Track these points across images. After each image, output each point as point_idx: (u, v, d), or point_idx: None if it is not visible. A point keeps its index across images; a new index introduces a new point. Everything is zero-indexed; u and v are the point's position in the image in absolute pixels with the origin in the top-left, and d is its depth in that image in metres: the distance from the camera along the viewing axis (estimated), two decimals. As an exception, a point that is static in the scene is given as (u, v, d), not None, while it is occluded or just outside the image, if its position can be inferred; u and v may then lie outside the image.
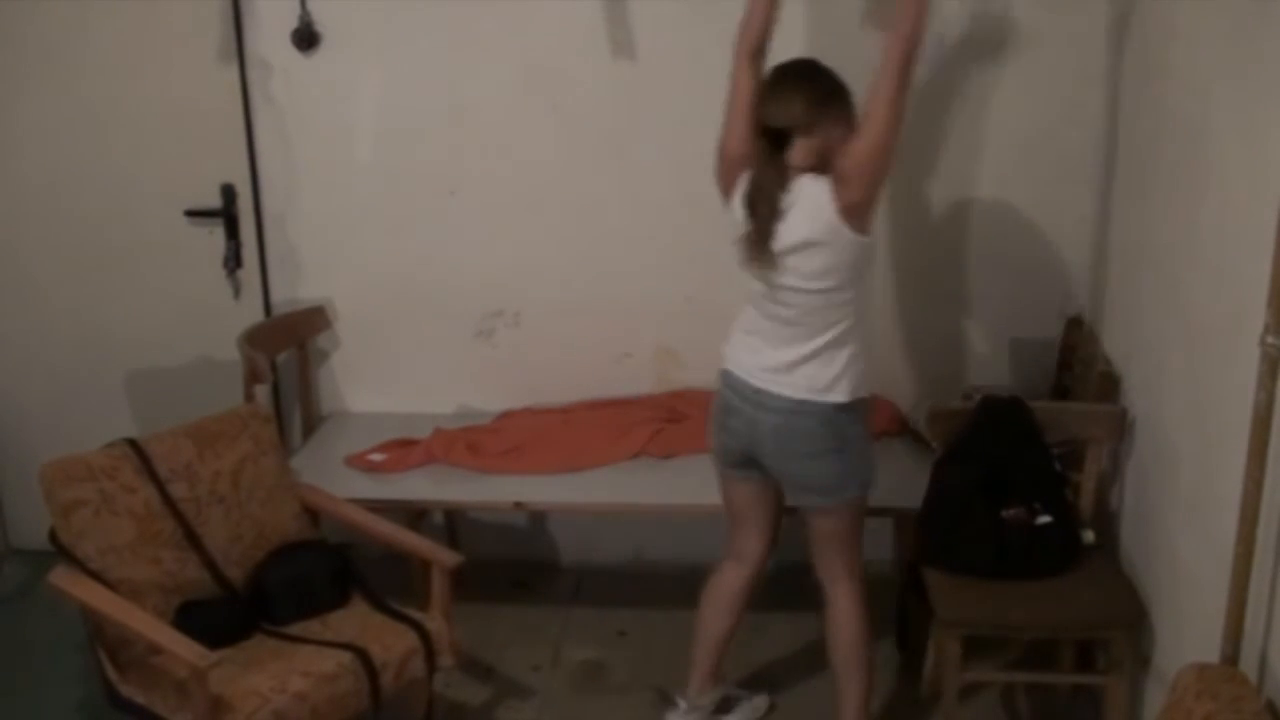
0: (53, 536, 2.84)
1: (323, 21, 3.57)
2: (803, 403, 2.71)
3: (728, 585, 3.02)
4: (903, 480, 3.25)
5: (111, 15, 3.61)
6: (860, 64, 3.52)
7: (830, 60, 3.38)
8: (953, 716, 2.92)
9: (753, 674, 3.40)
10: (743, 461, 2.87)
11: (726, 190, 2.76)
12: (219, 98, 3.64)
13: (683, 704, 3.11)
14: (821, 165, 2.61)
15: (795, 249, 2.62)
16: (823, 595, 2.94)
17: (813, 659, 3.36)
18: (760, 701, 3.27)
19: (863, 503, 2.87)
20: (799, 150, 2.62)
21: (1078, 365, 3.39)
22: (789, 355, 2.71)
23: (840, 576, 2.90)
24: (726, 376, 2.84)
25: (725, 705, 3.19)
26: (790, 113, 2.61)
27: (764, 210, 2.63)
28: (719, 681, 3.15)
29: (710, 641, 3.06)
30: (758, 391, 2.75)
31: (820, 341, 2.68)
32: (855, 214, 2.58)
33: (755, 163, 2.65)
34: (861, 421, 2.80)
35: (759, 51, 2.70)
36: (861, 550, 2.93)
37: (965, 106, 3.50)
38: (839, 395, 2.70)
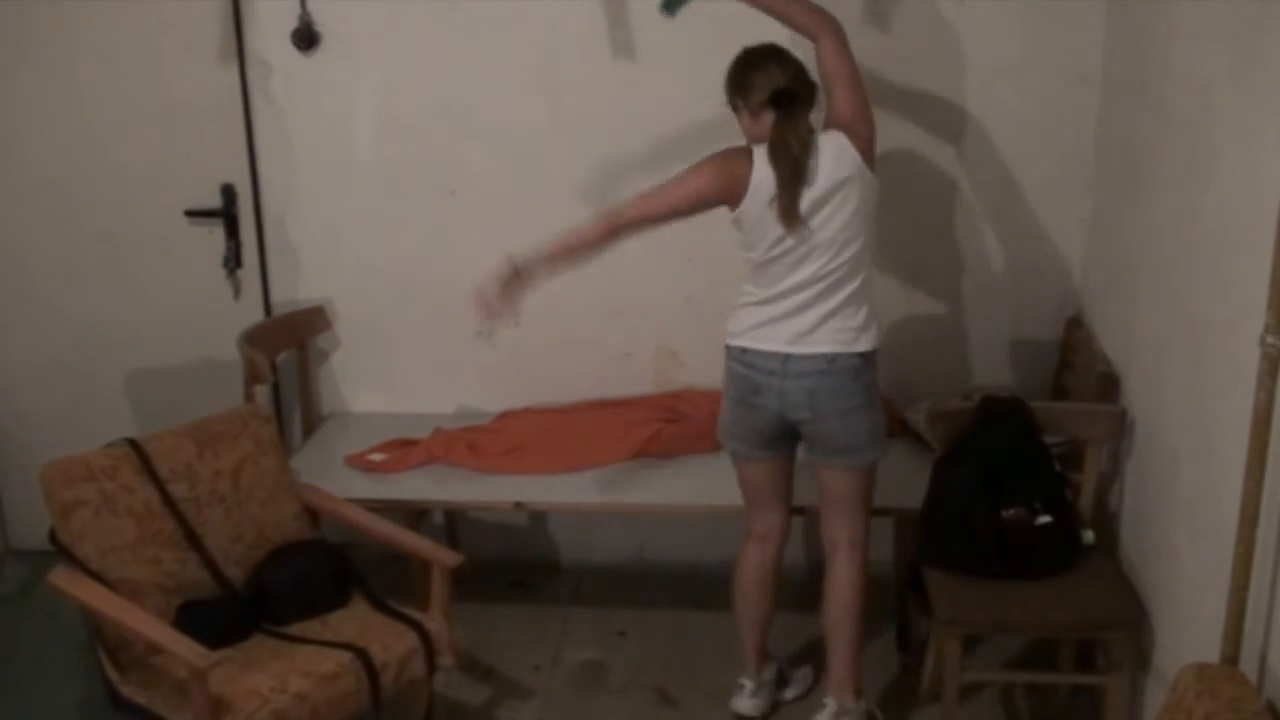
0: (53, 537, 2.84)
1: (323, 21, 3.57)
2: (833, 358, 2.80)
3: (760, 565, 3.09)
4: (903, 480, 3.25)
5: (112, 15, 3.61)
6: (862, 66, 3.52)
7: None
8: (953, 716, 2.92)
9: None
10: (769, 440, 2.95)
11: (732, 198, 2.80)
12: (219, 98, 3.64)
13: (749, 684, 3.17)
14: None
15: (833, 192, 2.75)
16: (825, 558, 3.03)
17: (815, 656, 3.38)
18: (806, 672, 3.32)
19: (877, 464, 2.98)
20: (804, 115, 2.77)
21: (1078, 365, 3.39)
22: (815, 315, 2.81)
23: (844, 542, 2.98)
24: (745, 356, 2.89)
25: (780, 680, 3.26)
26: (792, 74, 2.77)
27: (801, 164, 2.73)
28: (770, 658, 3.23)
29: (757, 623, 3.13)
30: (786, 359, 2.82)
31: (846, 294, 2.80)
32: (869, 153, 2.79)
33: (778, 126, 2.74)
34: (877, 374, 2.90)
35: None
36: (869, 517, 3.01)
37: (965, 106, 3.50)
38: (863, 344, 2.83)
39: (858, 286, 2.82)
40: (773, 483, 3.03)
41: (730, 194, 2.80)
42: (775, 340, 2.83)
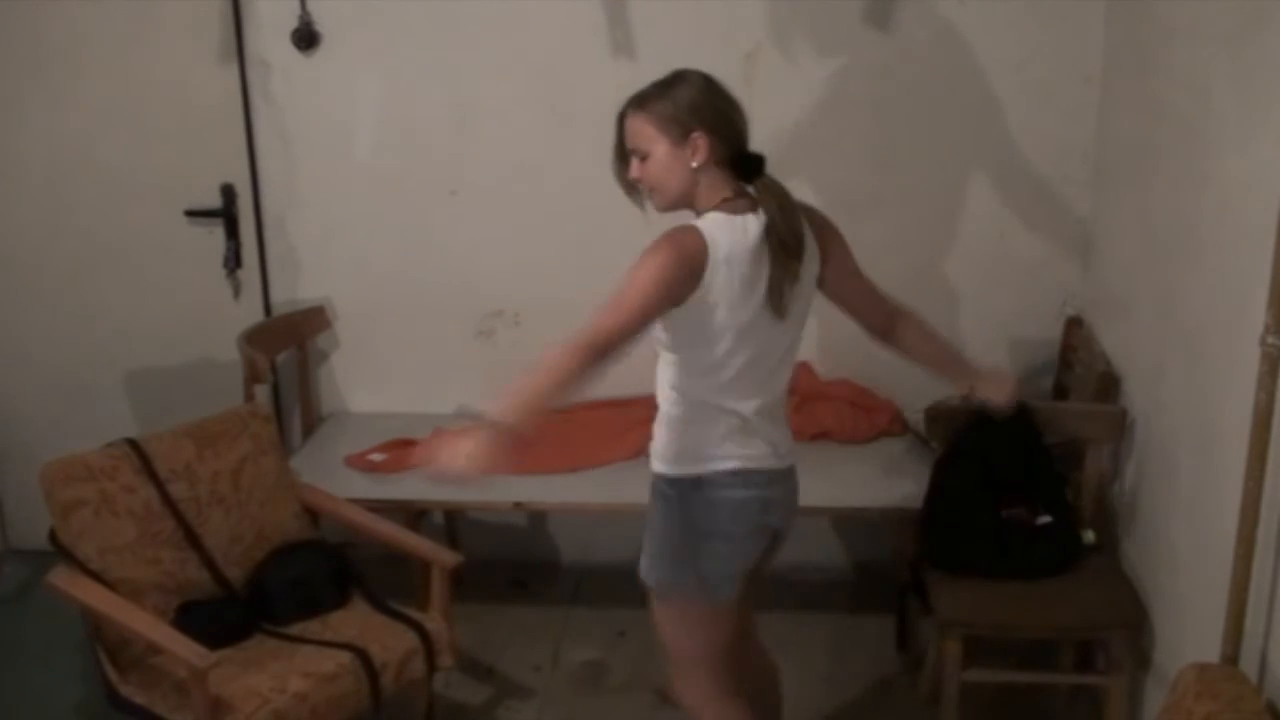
0: (53, 537, 2.84)
1: (323, 21, 3.57)
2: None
3: None
4: (903, 480, 3.25)
5: (111, 15, 3.61)
6: (862, 66, 3.53)
7: (831, 63, 3.40)
8: (952, 716, 2.92)
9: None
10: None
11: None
12: (219, 98, 3.64)
13: None
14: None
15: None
16: None
17: (805, 654, 3.38)
18: None
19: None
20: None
21: (1078, 365, 3.39)
22: None
23: None
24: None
25: None
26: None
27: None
28: None
29: None
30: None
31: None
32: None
33: (771, 186, 2.33)
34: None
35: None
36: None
37: (965, 106, 3.50)
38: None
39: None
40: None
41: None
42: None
